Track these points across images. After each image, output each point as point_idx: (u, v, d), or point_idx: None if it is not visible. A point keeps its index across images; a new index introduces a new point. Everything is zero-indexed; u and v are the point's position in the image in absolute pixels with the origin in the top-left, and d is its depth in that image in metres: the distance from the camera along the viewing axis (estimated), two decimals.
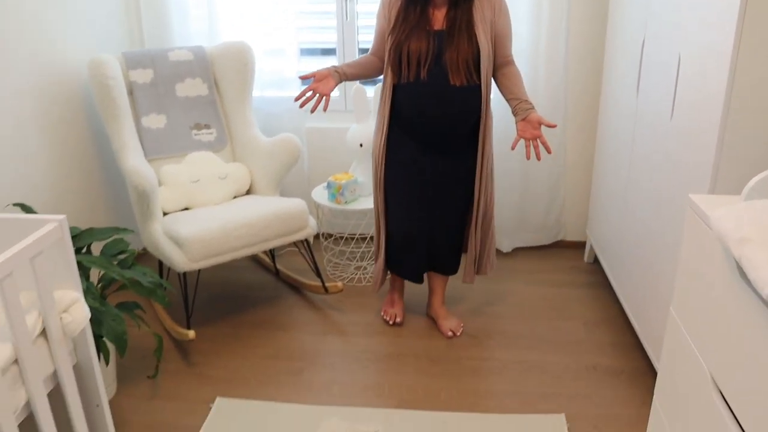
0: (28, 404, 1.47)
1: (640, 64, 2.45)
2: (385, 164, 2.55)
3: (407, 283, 3.14)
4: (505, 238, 3.52)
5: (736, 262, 1.14)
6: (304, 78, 2.46)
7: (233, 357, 2.65)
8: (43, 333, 1.52)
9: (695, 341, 1.37)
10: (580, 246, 3.61)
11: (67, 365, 1.57)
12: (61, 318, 1.55)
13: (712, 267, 1.29)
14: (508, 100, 2.45)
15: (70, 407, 1.59)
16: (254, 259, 3.55)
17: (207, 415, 2.30)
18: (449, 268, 2.72)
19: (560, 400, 2.35)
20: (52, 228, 1.51)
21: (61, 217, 1.54)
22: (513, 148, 2.38)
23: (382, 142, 2.52)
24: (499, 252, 3.57)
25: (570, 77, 3.27)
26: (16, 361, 1.42)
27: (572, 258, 3.50)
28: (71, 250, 1.57)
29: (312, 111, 2.44)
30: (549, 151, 2.30)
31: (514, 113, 2.41)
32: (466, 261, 2.73)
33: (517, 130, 2.39)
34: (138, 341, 2.78)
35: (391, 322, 2.83)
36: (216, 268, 3.46)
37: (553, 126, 2.29)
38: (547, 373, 2.50)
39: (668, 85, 2.13)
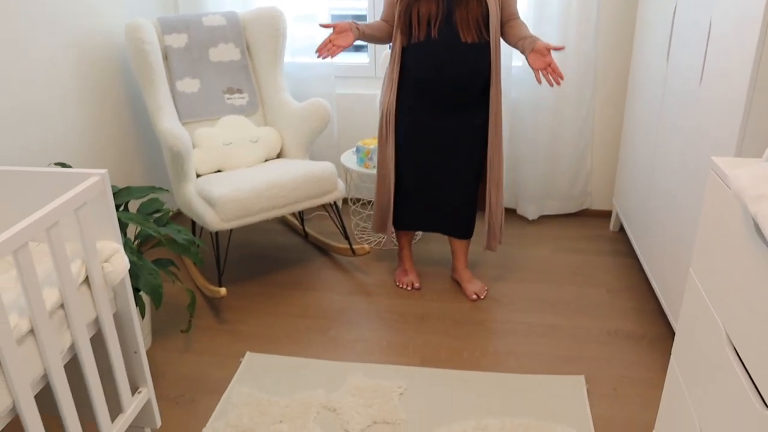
0: (72, 347, 1.56)
1: (672, 30, 2.45)
2: (396, 123, 2.60)
3: (433, 248, 3.20)
4: (531, 206, 3.55)
5: (753, 219, 1.17)
6: (324, 26, 2.50)
7: (263, 315, 2.73)
8: (86, 281, 1.60)
9: (712, 300, 1.41)
10: (605, 215, 3.63)
11: (108, 312, 1.66)
12: (102, 267, 1.63)
13: (730, 227, 1.32)
14: (516, 44, 2.51)
15: (110, 352, 1.68)
16: (284, 222, 3.63)
17: (237, 369, 2.39)
18: (463, 229, 2.75)
19: (581, 363, 2.39)
20: (94, 181, 1.58)
21: (103, 171, 1.61)
22: (539, 82, 2.43)
23: (392, 101, 2.56)
24: (524, 219, 3.60)
25: (600, 43, 3.27)
26: (62, 306, 1.50)
27: (598, 227, 3.52)
28: (112, 203, 1.64)
29: (323, 57, 2.48)
30: (561, 77, 2.35)
31: (523, 51, 2.46)
32: (487, 228, 2.75)
33: (529, 63, 2.43)
34: (172, 298, 2.88)
35: (408, 289, 2.89)
36: (246, 230, 3.55)
37: (561, 48, 2.34)
38: (568, 336, 2.55)
39: (698, 50, 2.14)
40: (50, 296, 1.45)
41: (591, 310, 2.72)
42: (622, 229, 3.47)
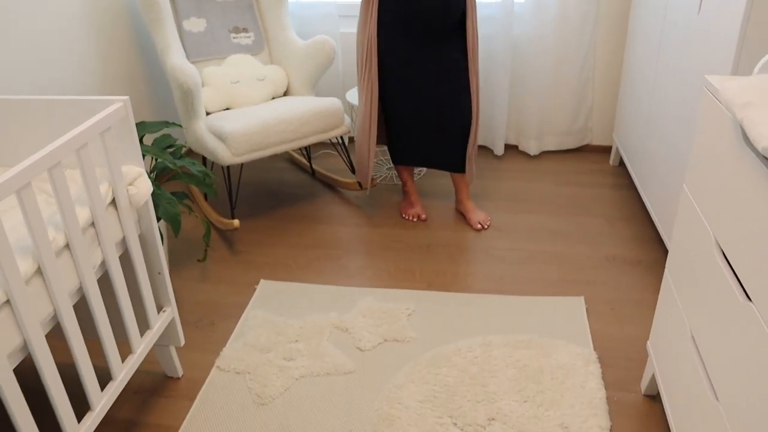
0: (103, 264, 1.67)
1: None
2: (379, 57, 2.66)
3: (438, 182, 3.29)
4: (532, 142, 3.62)
5: (740, 125, 1.26)
6: None
7: (274, 246, 2.84)
8: (113, 203, 1.70)
9: (703, 210, 1.50)
10: (606, 150, 3.70)
11: (133, 232, 1.76)
12: (127, 190, 1.72)
13: (721, 141, 1.41)
14: None
15: (137, 270, 1.78)
16: (291, 161, 3.71)
17: (252, 295, 2.51)
18: (453, 163, 2.85)
19: (580, 286, 2.51)
20: (118, 107, 1.66)
21: (125, 97, 1.69)
22: None
23: (372, 31, 2.62)
24: (526, 155, 3.69)
25: None
26: (92, 225, 1.60)
27: (598, 161, 3.60)
28: (134, 128, 1.72)
29: None
30: None
31: None
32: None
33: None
34: (186, 232, 2.98)
35: (414, 221, 2.99)
36: (255, 170, 3.63)
37: None
38: (568, 262, 2.66)
39: None
40: (82, 214, 1.55)
41: (590, 238, 2.82)
42: (622, 164, 3.55)
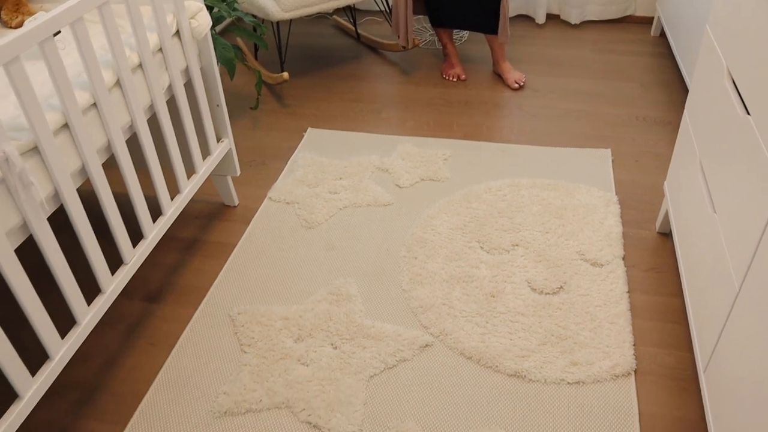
0: (170, 88, 1.86)
1: None
2: None
3: (475, 48, 3.39)
4: (573, 10, 3.66)
5: None
6: None
7: (321, 101, 3.02)
8: (177, 35, 1.87)
9: (719, 43, 1.62)
10: (648, 21, 3.72)
11: (195, 61, 1.94)
12: (189, 22, 1.89)
13: None
14: None
15: (198, 98, 1.98)
16: (337, 27, 3.82)
17: (300, 141, 2.71)
18: (486, 24, 2.94)
19: (609, 140, 2.64)
20: None
21: None
22: None
23: None
24: (567, 24, 3.73)
25: None
26: (160, 50, 1.79)
27: (640, 32, 3.63)
28: None
29: None
30: None
31: None
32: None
33: None
34: (237, 87, 3.17)
35: (454, 80, 3.11)
36: (303, 35, 3.76)
37: None
38: (599, 120, 2.78)
39: None
40: (151, 39, 1.73)
41: (623, 100, 2.93)
42: (663, 34, 3.58)
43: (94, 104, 1.52)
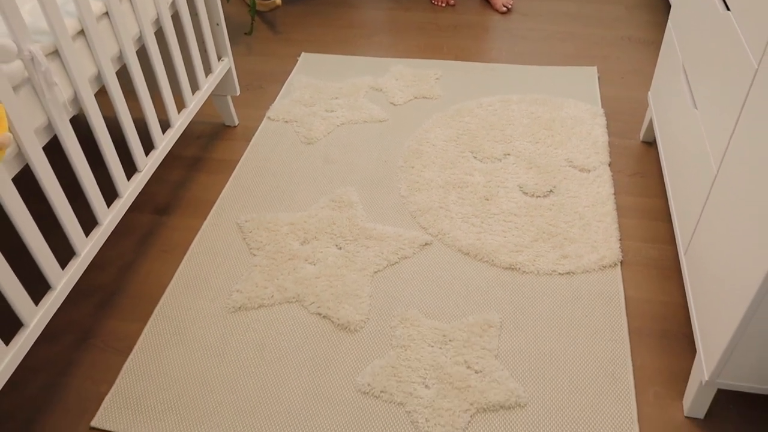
0: (173, 4, 1.92)
1: None
2: None
3: None
4: None
5: None
6: None
7: (313, 26, 3.07)
8: None
9: None
10: None
11: None
12: None
13: None
14: None
15: (199, 14, 2.04)
16: None
17: (295, 65, 2.77)
18: None
19: (595, 59, 2.73)
20: None
21: None
22: None
23: None
24: None
25: None
26: None
27: None
28: None
29: None
30: None
31: None
32: None
33: None
34: (229, 16, 3.20)
35: (443, 5, 3.17)
36: None
37: None
38: (586, 40, 2.86)
39: None
40: None
41: (609, 22, 3.00)
42: None
43: (106, 13, 1.58)
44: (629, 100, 2.46)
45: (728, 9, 1.48)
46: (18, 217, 1.29)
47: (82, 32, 1.49)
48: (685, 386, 1.51)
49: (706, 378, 1.33)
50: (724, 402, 1.48)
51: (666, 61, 1.99)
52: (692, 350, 1.59)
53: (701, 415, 1.44)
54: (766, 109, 1.17)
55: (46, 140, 1.42)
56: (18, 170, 1.33)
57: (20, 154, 1.32)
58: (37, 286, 1.57)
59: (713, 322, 1.32)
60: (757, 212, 1.15)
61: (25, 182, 1.70)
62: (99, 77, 1.58)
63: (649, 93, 2.18)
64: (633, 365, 1.56)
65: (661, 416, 1.45)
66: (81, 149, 1.51)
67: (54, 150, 1.80)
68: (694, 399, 1.41)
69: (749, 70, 1.28)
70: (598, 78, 2.60)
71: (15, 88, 1.29)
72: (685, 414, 1.45)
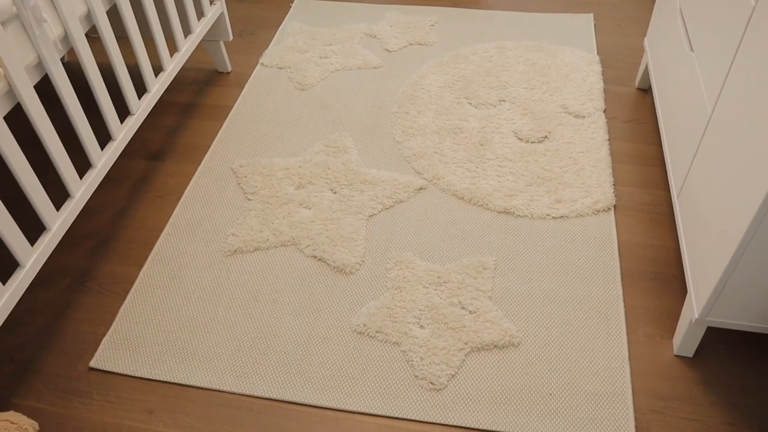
0: None
1: None
2: None
3: None
4: None
5: None
6: None
7: None
8: None
9: None
10: None
11: None
12: None
13: None
14: None
15: None
16: None
17: (288, 11, 2.73)
18: None
19: (591, 6, 2.70)
20: None
21: None
22: None
23: None
24: None
25: None
26: None
27: None
28: None
29: None
30: None
31: None
32: None
33: None
34: None
35: None
36: None
37: None
38: None
39: None
40: None
41: None
42: None
43: None
44: (625, 47, 2.44)
45: None
46: (11, 157, 1.28)
47: None
48: (675, 326, 1.53)
49: (696, 316, 1.35)
50: (713, 342, 1.51)
51: (663, 6, 1.97)
52: (683, 292, 1.61)
53: (690, 353, 1.47)
54: (761, 48, 1.17)
55: (37, 79, 1.40)
56: (9, 108, 1.31)
57: (11, 91, 1.30)
58: (33, 230, 1.57)
59: (704, 261, 1.34)
60: (749, 152, 1.16)
61: (20, 128, 1.69)
62: (90, 17, 1.56)
63: (645, 39, 2.16)
64: (625, 306, 1.58)
65: (651, 354, 1.48)
66: (72, 89, 1.49)
67: (47, 96, 1.78)
68: (684, 337, 1.44)
69: (746, 8, 1.27)
70: (594, 25, 2.58)
71: (3, 24, 1.27)
72: (674, 352, 1.48)
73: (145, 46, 2.40)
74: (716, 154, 1.34)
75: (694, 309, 1.37)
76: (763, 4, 1.19)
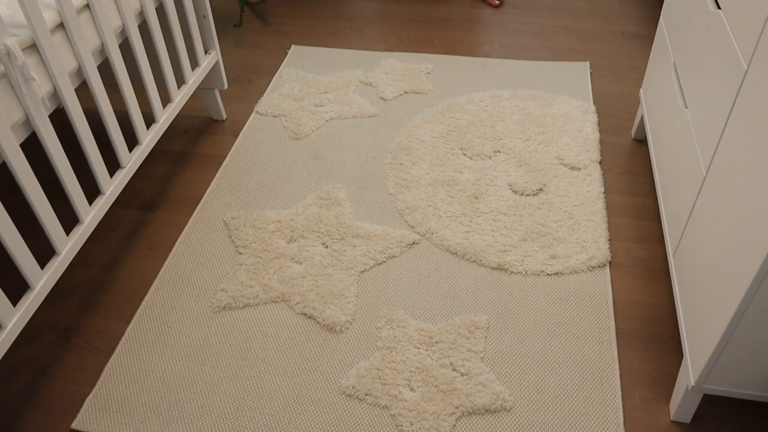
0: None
1: None
2: None
3: None
4: None
5: None
6: None
7: (303, 18, 3.03)
8: None
9: None
10: None
11: None
12: None
13: None
14: None
15: (185, 8, 2.00)
16: None
17: (285, 57, 2.74)
18: None
19: (587, 54, 2.70)
20: None
21: None
22: None
23: None
24: None
25: None
26: None
27: None
28: None
29: None
30: None
31: None
32: None
33: None
34: (217, 8, 3.16)
35: None
36: None
37: None
38: (579, 35, 2.83)
39: None
40: None
41: (601, 15, 2.98)
42: None
43: (87, 5, 1.54)
44: (621, 96, 2.44)
45: (719, 7, 1.45)
46: None
47: (61, 25, 1.46)
48: (672, 390, 1.49)
49: (692, 383, 1.32)
50: (711, 406, 1.47)
51: (658, 58, 1.97)
52: (679, 353, 1.58)
53: (687, 419, 1.43)
54: (755, 112, 1.15)
55: (23, 137, 1.39)
56: None
57: None
58: (16, 287, 1.55)
59: (700, 326, 1.31)
60: (745, 215, 1.14)
61: (4, 177, 1.68)
62: (80, 71, 1.55)
63: (641, 90, 2.16)
64: (620, 368, 1.55)
65: (647, 420, 1.44)
66: (61, 146, 1.48)
67: (34, 145, 1.77)
68: (681, 403, 1.40)
69: (739, 71, 1.26)
70: (591, 73, 2.58)
71: None
72: (671, 418, 1.44)
73: (137, 94, 2.40)
74: (712, 215, 1.32)
75: (690, 376, 1.33)
76: (755, 68, 1.18)
